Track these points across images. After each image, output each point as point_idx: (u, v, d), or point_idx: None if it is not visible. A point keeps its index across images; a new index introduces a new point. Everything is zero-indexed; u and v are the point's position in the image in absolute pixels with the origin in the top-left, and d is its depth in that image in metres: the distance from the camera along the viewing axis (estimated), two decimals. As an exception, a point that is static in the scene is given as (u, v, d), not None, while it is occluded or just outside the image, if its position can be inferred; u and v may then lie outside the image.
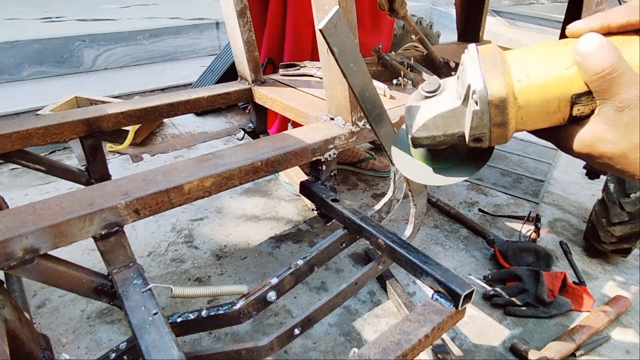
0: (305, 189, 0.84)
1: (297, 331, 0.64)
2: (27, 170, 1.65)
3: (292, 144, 0.75)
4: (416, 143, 0.41)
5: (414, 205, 0.63)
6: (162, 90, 2.22)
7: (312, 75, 1.13)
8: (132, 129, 0.95)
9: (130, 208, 0.58)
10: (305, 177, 0.89)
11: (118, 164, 1.73)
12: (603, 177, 1.33)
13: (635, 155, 0.33)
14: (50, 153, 1.86)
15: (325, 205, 0.78)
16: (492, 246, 1.27)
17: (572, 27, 0.39)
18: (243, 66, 1.05)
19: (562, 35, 1.49)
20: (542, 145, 2.07)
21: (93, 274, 0.59)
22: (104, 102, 1.07)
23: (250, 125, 1.14)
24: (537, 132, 0.40)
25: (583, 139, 0.36)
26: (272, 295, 0.63)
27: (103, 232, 0.56)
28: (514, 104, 0.36)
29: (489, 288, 1.13)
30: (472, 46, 0.39)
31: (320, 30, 0.47)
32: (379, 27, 1.51)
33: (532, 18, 4.69)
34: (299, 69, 1.15)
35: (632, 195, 1.11)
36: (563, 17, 1.43)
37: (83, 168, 0.94)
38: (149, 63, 2.72)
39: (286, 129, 0.89)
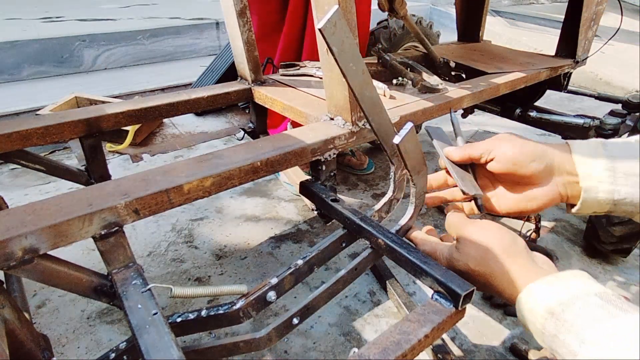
0: (305, 189, 0.84)
1: (295, 321, 0.63)
2: (27, 170, 1.65)
3: (292, 144, 0.75)
4: None
5: (414, 185, 0.63)
6: (162, 90, 2.22)
7: (312, 75, 1.13)
8: (132, 129, 0.95)
9: (129, 208, 0.58)
10: (305, 177, 0.89)
11: (118, 164, 1.73)
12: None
13: None
14: (50, 153, 1.86)
15: (325, 205, 0.78)
16: (492, 246, 1.27)
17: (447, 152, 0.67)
18: (243, 66, 1.05)
19: (562, 35, 1.49)
20: (542, 145, 2.06)
21: (93, 274, 0.59)
22: (104, 102, 1.07)
23: (250, 125, 1.14)
24: None
25: None
26: (272, 295, 0.63)
27: (103, 232, 0.56)
28: None
29: (489, 288, 1.13)
30: None
31: (320, 29, 0.47)
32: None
33: (532, 18, 4.69)
34: (298, 69, 1.15)
35: (632, 195, 1.11)
36: (563, 17, 1.44)
37: (83, 168, 0.94)
38: (149, 63, 2.72)
39: None
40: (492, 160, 0.60)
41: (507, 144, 0.59)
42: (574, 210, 0.60)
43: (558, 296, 0.44)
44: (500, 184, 0.64)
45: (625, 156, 0.54)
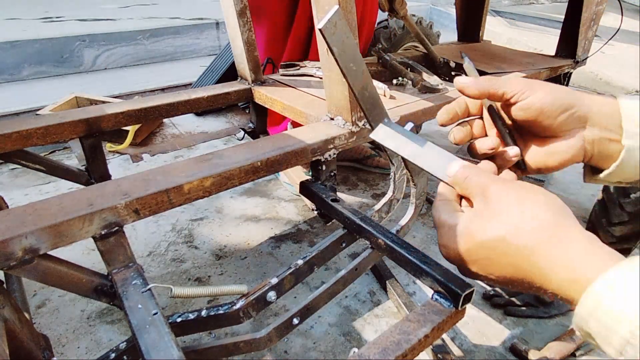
0: (305, 189, 0.84)
1: (295, 321, 0.63)
2: (27, 170, 1.65)
3: (292, 144, 0.75)
4: None
5: (414, 185, 0.63)
6: (162, 90, 2.22)
7: (312, 75, 1.13)
8: (132, 129, 0.95)
9: (130, 208, 0.58)
10: (305, 177, 0.89)
11: (118, 164, 1.73)
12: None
13: None
14: (50, 153, 1.86)
15: (325, 205, 0.78)
16: (492, 246, 1.27)
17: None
18: (243, 66, 1.05)
19: (562, 36, 1.49)
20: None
21: (93, 274, 0.59)
22: (104, 102, 1.07)
23: (250, 125, 1.14)
24: None
25: None
26: (272, 295, 0.63)
27: (103, 232, 0.56)
28: None
29: (489, 288, 1.13)
30: None
31: (320, 30, 0.47)
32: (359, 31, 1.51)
33: (532, 18, 4.70)
34: (299, 69, 1.15)
35: (632, 195, 1.11)
36: (563, 17, 1.44)
37: (83, 168, 0.94)
38: (149, 63, 2.72)
39: None
40: (515, 103, 0.49)
41: (539, 89, 0.48)
42: (602, 175, 0.49)
43: None
44: (515, 132, 0.54)
45: None
